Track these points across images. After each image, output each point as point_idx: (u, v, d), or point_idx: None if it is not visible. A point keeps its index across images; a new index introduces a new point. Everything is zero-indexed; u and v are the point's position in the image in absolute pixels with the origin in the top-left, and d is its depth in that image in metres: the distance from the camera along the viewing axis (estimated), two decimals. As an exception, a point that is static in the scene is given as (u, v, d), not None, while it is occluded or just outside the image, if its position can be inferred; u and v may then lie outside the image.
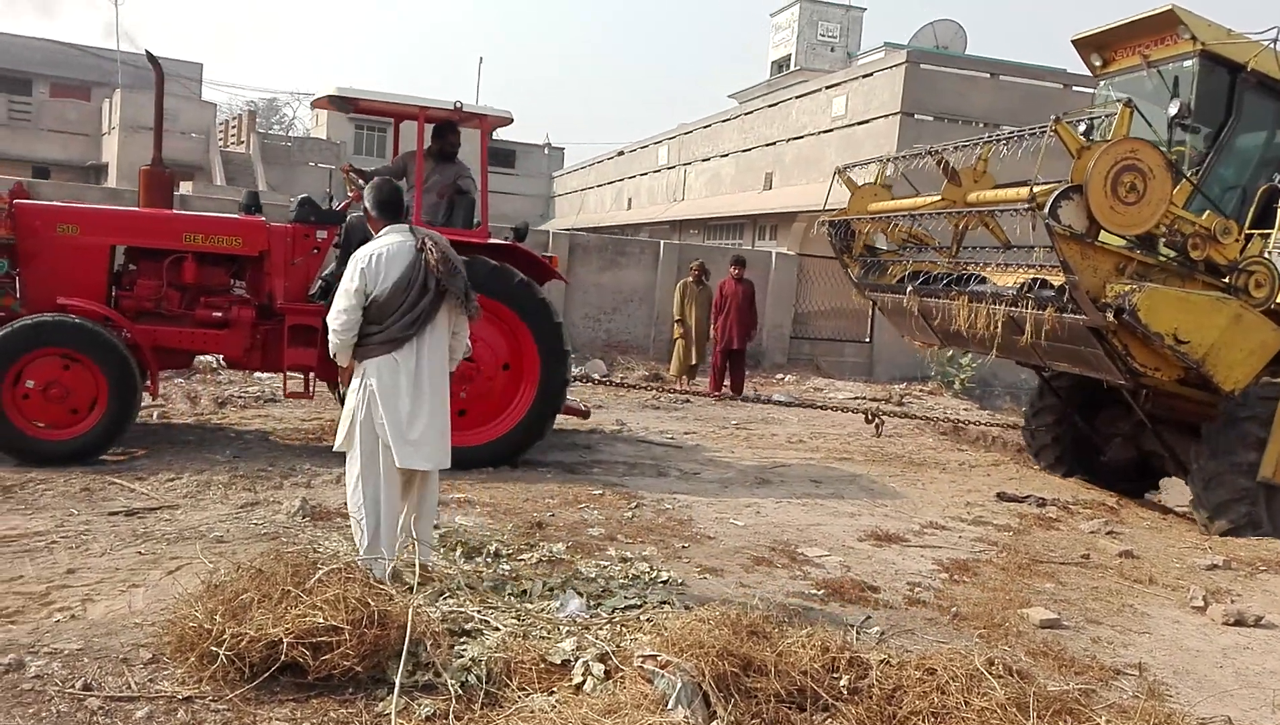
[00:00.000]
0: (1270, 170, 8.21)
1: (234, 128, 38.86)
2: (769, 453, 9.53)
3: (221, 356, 7.91)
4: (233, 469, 6.84)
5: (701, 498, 7.30)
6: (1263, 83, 7.98)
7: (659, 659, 3.48)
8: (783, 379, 15.56)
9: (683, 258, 16.46)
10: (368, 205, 4.76)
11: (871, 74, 20.80)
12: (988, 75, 20.70)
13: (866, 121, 20.21)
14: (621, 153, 34.97)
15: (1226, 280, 7.42)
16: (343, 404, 5.99)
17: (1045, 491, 8.46)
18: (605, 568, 5.25)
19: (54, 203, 7.98)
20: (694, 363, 13.77)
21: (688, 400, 12.78)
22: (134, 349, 7.09)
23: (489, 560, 5.20)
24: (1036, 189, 6.95)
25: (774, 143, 24.29)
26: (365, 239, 7.45)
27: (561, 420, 8.49)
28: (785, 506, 7.27)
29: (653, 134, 32.53)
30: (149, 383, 7.32)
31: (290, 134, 44.48)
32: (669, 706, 3.30)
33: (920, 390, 15.32)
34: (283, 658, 3.45)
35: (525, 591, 4.70)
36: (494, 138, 41.71)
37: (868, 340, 17.71)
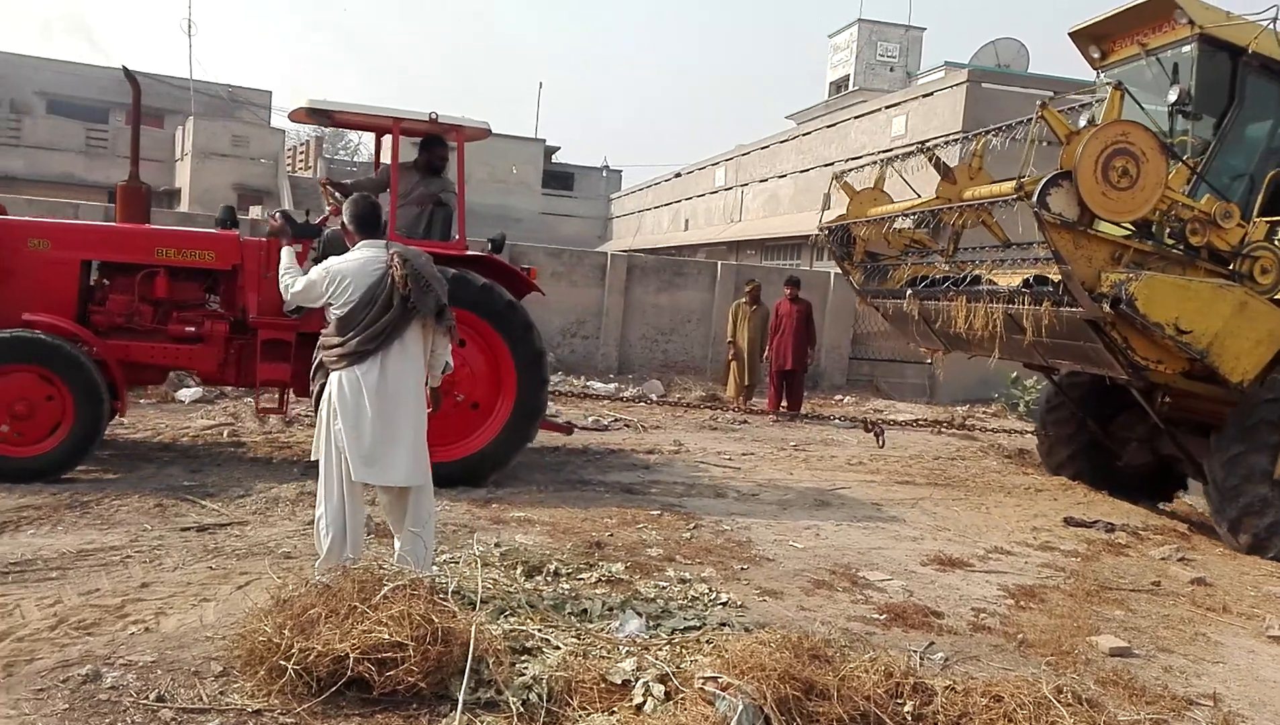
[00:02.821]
0: (1278, 157, 7.85)
1: (301, 153, 39.80)
2: (828, 474, 9.45)
3: (195, 372, 7.88)
4: (300, 486, 6.96)
5: (760, 519, 7.26)
6: (1266, 66, 7.66)
7: (720, 681, 3.47)
8: (841, 400, 15.43)
9: (740, 278, 16.45)
10: (345, 220, 4.83)
11: (932, 93, 20.63)
12: (1050, 94, 20.37)
13: (927, 141, 20.00)
14: (679, 174, 35.08)
15: (1230, 267, 7.10)
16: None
17: (1114, 516, 8.25)
18: (664, 588, 5.24)
19: (25, 218, 8.00)
20: (748, 383, 13.73)
21: (745, 421, 12.73)
22: (102, 365, 7.00)
23: (549, 579, 5.23)
24: (1025, 178, 6.74)
25: (832, 163, 24.16)
26: (342, 253, 7.57)
27: (593, 439, 8.50)
28: (845, 529, 7.20)
29: (710, 155, 32.59)
30: (118, 400, 7.20)
31: (355, 159, 45.40)
32: (730, 729, 3.29)
33: (984, 412, 15.07)
34: (349, 673, 3.50)
35: (585, 611, 4.71)
36: (553, 161, 41.84)
37: (929, 362, 17.47)
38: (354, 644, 3.54)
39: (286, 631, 3.63)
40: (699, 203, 32.63)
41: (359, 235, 4.78)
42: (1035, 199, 6.57)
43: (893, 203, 9.17)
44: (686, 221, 33.41)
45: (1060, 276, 6.94)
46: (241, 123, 35.37)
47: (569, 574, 5.35)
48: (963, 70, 21.78)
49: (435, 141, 8.11)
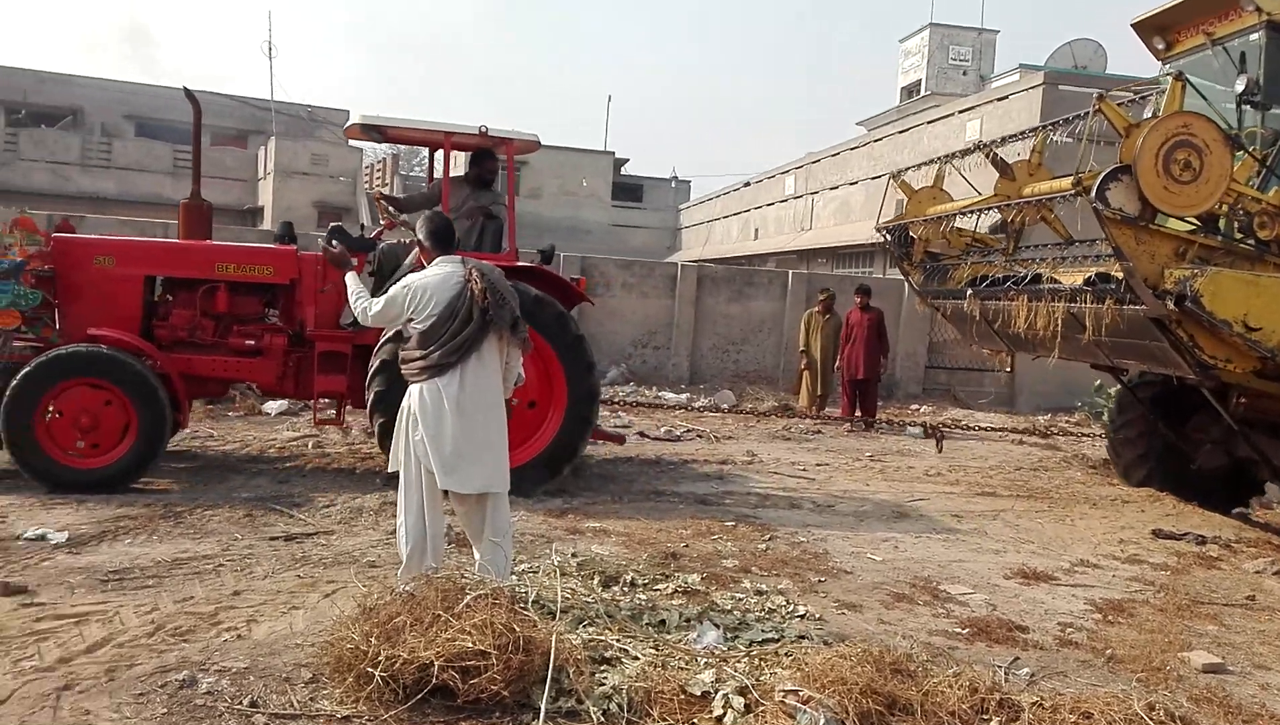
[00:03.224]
0: None
1: (379, 170, 40.71)
2: (906, 485, 9.33)
3: (255, 384, 8.03)
4: (382, 496, 7.11)
5: (836, 531, 7.19)
6: None
7: (801, 694, 3.45)
8: (917, 410, 15.20)
9: (811, 287, 16.34)
10: (421, 237, 4.92)
11: (1007, 96, 20.27)
12: (1131, 95, 19.87)
13: (1002, 144, 19.65)
14: (748, 183, 35.00)
15: None
16: (375, 432, 6.07)
17: (1205, 528, 7.98)
18: (740, 600, 5.23)
19: (92, 236, 8.16)
20: (821, 393, 13.63)
21: (819, 431, 12.63)
22: (165, 379, 7.16)
23: (625, 589, 5.25)
24: (1083, 173, 6.54)
25: (905, 169, 23.87)
26: (396, 266, 7.71)
27: (645, 449, 8.50)
28: (925, 541, 7.09)
29: (779, 164, 32.46)
30: (180, 412, 7.39)
31: (434, 175, 46.32)
32: (812, 742, 3.27)
33: (1066, 421, 14.70)
34: (434, 680, 3.57)
35: (663, 621, 4.72)
36: (622, 173, 42.06)
37: (1008, 370, 17.10)
38: (438, 652, 3.60)
39: (373, 639, 3.71)
40: (769, 211, 32.50)
41: (435, 251, 4.88)
42: (1094, 193, 6.39)
43: (952, 201, 9.02)
44: (756, 231, 33.30)
45: (1122, 273, 6.75)
46: (321, 142, 36.29)
47: (645, 584, 5.37)
48: (1038, 72, 21.35)
49: (485, 155, 8.20)
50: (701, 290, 16.56)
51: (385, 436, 6.75)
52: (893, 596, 5.64)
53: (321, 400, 7.79)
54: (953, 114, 22.21)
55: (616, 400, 13.10)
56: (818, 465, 10.12)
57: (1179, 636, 5.23)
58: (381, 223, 8.54)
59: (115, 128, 39.03)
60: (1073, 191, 6.61)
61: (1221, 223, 6.97)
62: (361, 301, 4.91)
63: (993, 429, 13.58)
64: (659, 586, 5.37)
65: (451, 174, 8.03)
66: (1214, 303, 6.43)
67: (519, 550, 5.92)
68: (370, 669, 3.63)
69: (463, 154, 8.75)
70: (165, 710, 3.59)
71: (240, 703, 3.67)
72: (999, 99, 20.60)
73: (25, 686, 3.70)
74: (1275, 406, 7.67)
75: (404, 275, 4.92)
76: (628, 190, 46.10)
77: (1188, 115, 6.48)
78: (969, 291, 8.43)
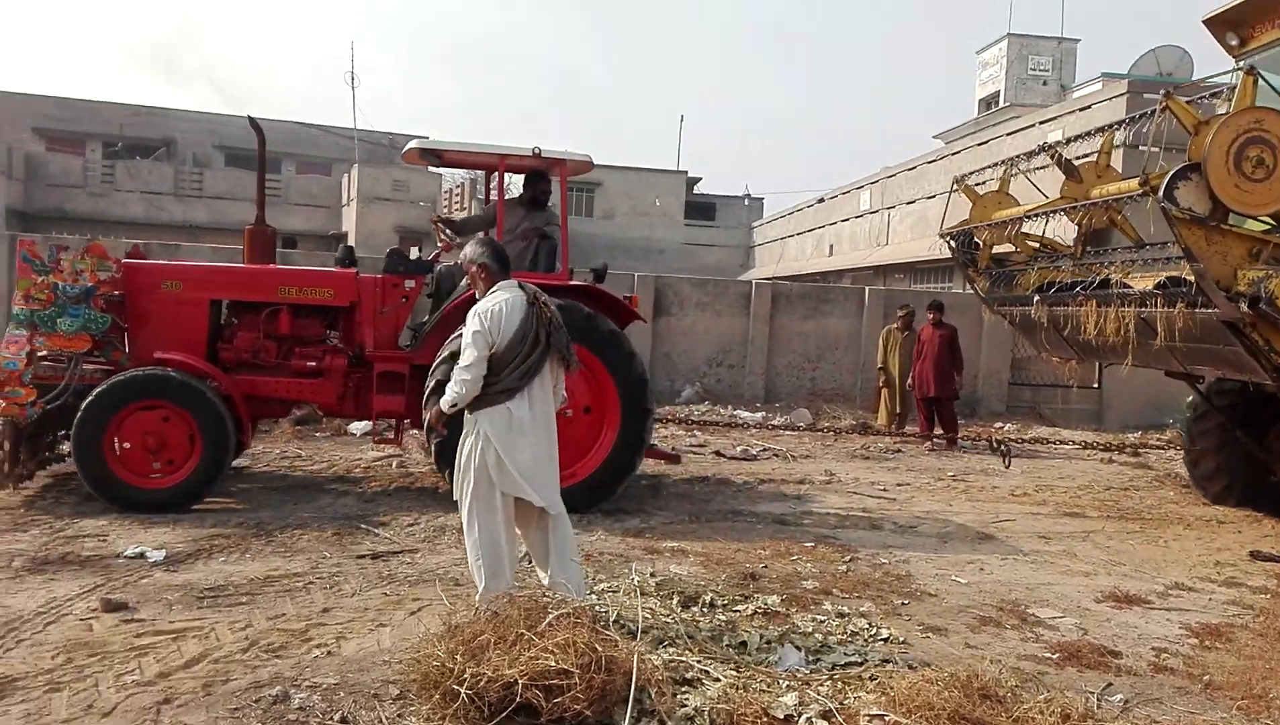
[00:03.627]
0: None
1: (457, 195, 41.53)
2: (990, 506, 9.13)
3: (316, 405, 8.16)
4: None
5: (919, 552, 7.07)
6: None
7: (887, 719, 3.41)
8: (1001, 428, 14.87)
9: (888, 303, 16.13)
10: (487, 260, 4.92)
11: (1089, 106, 19.80)
12: (1203, 94, 19.26)
13: (1085, 157, 19.21)
14: (822, 199, 34.77)
15: None
16: (431, 451, 5.99)
17: (1310, 551, 7.65)
18: (822, 622, 5.17)
19: (160, 261, 8.33)
20: (900, 411, 13.43)
21: (898, 450, 12.45)
22: (228, 401, 7.31)
23: (704, 610, 5.24)
24: (1151, 172, 6.31)
25: (969, 173, 23.49)
26: (453, 287, 7.77)
27: (721, 467, 8.44)
28: (1011, 564, 6.93)
29: (854, 179, 32.18)
30: (243, 433, 7.57)
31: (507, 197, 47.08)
32: (898, 768, 3.23)
33: (1158, 438, 14.23)
34: (518, 698, 3.60)
35: (743, 643, 4.70)
36: (695, 191, 42.14)
37: (1096, 386, 16.67)
38: (522, 670, 3.63)
39: (458, 657, 3.76)
40: (843, 227, 32.22)
41: (500, 275, 4.94)
42: (1162, 193, 6.20)
43: (1018, 206, 8.83)
44: (831, 247, 33.04)
45: (1193, 276, 6.52)
46: (402, 168, 37.21)
47: (725, 605, 5.35)
48: (1122, 81, 20.86)
49: (538, 176, 8.26)
50: (776, 308, 16.47)
51: (443, 456, 6.84)
52: (979, 620, 5.52)
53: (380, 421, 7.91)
54: (1033, 125, 21.76)
55: (692, 419, 13.10)
56: (898, 485, 9.97)
57: (1282, 664, 5.02)
58: (439, 245, 8.68)
59: (206, 158, 40.58)
60: (1140, 192, 6.43)
61: None
62: (456, 385, 4.73)
63: (1083, 446, 13.22)
64: (738, 607, 5.34)
65: (507, 196, 8.15)
66: None
67: (598, 569, 5.97)
68: (456, 686, 3.67)
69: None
70: (260, 725, 3.70)
71: (331, 718, 3.76)
72: (1081, 109, 20.14)
73: (128, 700, 3.85)
74: None
75: (460, 298, 4.94)
76: (701, 209, 46.20)
77: (1260, 111, 6.26)
78: (1036, 298, 8.24)
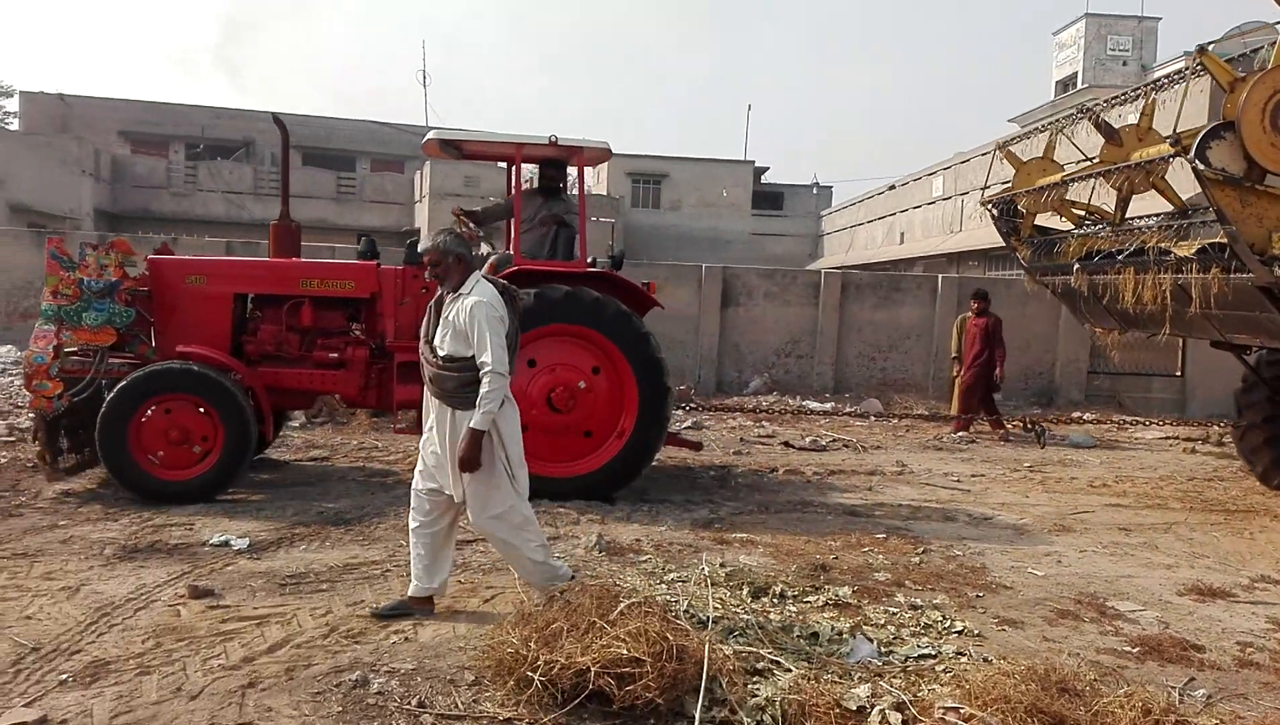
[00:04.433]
0: None
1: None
2: (1068, 497, 8.93)
3: (339, 396, 8.18)
4: (535, 505, 7.27)
5: (994, 544, 6.96)
6: None
7: (962, 712, 3.37)
8: (1080, 418, 14.53)
9: (962, 291, 15.84)
10: (463, 252, 4.79)
11: (1171, 86, 19.15)
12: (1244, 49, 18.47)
13: (1110, 109, 18.57)
14: (893, 186, 34.26)
15: None
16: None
17: None
18: (895, 614, 5.13)
19: (185, 256, 8.46)
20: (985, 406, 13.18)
21: (973, 440, 12.23)
22: (250, 393, 7.37)
23: (775, 600, 5.22)
24: (1182, 130, 6.03)
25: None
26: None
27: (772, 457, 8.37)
28: (1090, 556, 6.78)
29: (926, 165, 31.65)
30: (264, 425, 7.66)
31: (571, 191, 47.46)
32: (973, 761, 3.19)
33: (1243, 428, 13.73)
34: (590, 686, 3.65)
35: (815, 634, 4.67)
36: (762, 181, 41.81)
37: (1179, 373, 16.17)
38: (594, 658, 3.68)
39: (532, 644, 3.82)
40: (915, 215, 31.71)
41: (472, 267, 4.85)
42: (1193, 153, 5.95)
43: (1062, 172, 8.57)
44: (902, 235, 32.55)
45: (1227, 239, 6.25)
46: (473, 165, 37.71)
47: (795, 596, 5.33)
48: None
49: (550, 164, 8.29)
50: (845, 297, 16.29)
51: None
52: (1056, 613, 5.41)
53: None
54: (1112, 106, 21.15)
55: (760, 409, 13.03)
56: (972, 476, 9.81)
57: (1380, 661, 4.83)
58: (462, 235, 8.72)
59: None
60: (1173, 154, 6.18)
61: None
62: (497, 391, 4.57)
63: (1164, 438, 12.85)
64: (809, 598, 5.32)
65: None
66: None
67: (668, 559, 6.00)
68: (530, 673, 3.73)
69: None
70: (340, 709, 3.80)
71: (409, 703, 3.85)
72: (1160, 88, 19.49)
73: (214, 683, 3.99)
74: None
75: (477, 290, 4.77)
76: (768, 199, 45.90)
77: None
78: (1076, 266, 8.00)
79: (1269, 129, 5.92)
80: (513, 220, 8.23)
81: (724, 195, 42.18)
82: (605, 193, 40.92)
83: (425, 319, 4.99)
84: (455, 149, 8.41)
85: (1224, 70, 6.15)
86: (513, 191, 8.42)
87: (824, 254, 41.20)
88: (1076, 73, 38.65)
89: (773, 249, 41.80)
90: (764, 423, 12.81)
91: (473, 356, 4.62)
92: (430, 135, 8.10)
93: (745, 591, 5.29)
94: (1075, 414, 14.80)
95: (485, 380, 4.56)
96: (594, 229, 34.05)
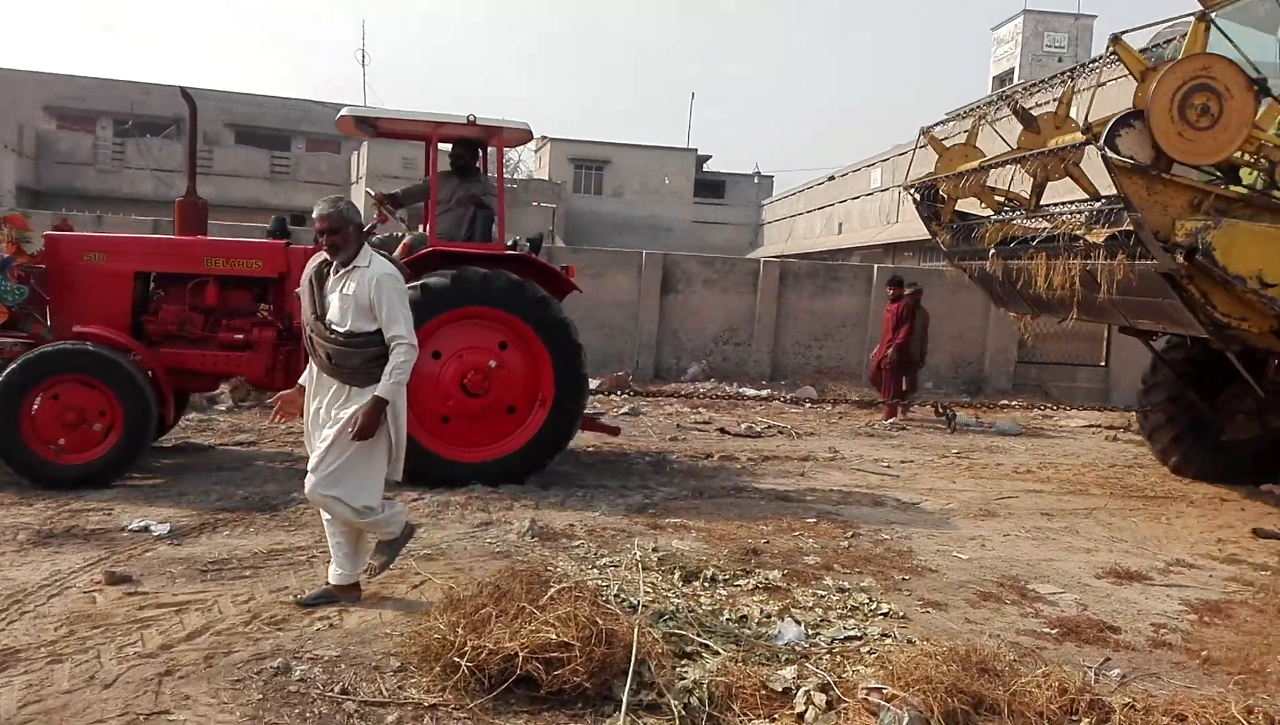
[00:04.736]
0: None
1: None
2: (993, 483, 9.12)
3: (244, 378, 7.95)
4: (469, 491, 7.24)
5: (921, 529, 7.08)
6: None
7: (885, 692, 3.42)
8: (1008, 406, 14.85)
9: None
10: (360, 221, 4.65)
11: (1105, 83, 19.61)
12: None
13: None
14: (832, 177, 34.63)
15: None
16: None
17: (1314, 529, 7.63)
18: (823, 597, 5.19)
19: (83, 233, 8.16)
20: (907, 388, 13.41)
21: (904, 427, 12.44)
22: (149, 375, 7.13)
23: (706, 584, 5.26)
24: (1093, 118, 6.17)
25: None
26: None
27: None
28: (1013, 540, 6.93)
29: (865, 157, 32.02)
30: (165, 408, 7.42)
31: (515, 176, 46.99)
32: (894, 740, 3.24)
33: (1163, 417, 14.17)
34: (518, 671, 3.63)
35: (743, 617, 4.72)
36: (704, 170, 41.96)
37: (1103, 363, 16.62)
38: (523, 643, 3.66)
39: (460, 630, 3.79)
40: (853, 206, 32.11)
41: (363, 241, 4.65)
42: (1103, 141, 6.08)
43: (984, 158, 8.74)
44: (840, 225, 32.93)
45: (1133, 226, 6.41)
46: (411, 146, 37.22)
47: (726, 580, 5.37)
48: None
49: (459, 143, 8.19)
50: (784, 286, 16.43)
51: None
52: (979, 595, 5.53)
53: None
54: (1049, 101, 21.59)
55: (698, 396, 13.08)
56: (902, 462, 9.97)
57: (1279, 639, 5.02)
58: (374, 218, 8.43)
59: (216, 135, 40.55)
60: (1084, 141, 6.32)
61: (1255, 175, 6.58)
62: (407, 359, 4.49)
63: (1087, 427, 13.20)
64: (739, 582, 5.36)
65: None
66: (1227, 257, 6.09)
67: (600, 544, 6.00)
68: (457, 659, 3.70)
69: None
70: (260, 696, 3.72)
71: (332, 690, 3.79)
72: (1098, 85, 19.94)
73: (129, 671, 3.88)
74: None
75: (377, 262, 4.64)
76: (710, 187, 46.06)
77: (1209, 57, 6.10)
78: (992, 251, 8.15)
79: (1177, 119, 6.03)
80: (440, 199, 8.08)
81: (666, 182, 42.24)
82: (547, 178, 40.70)
83: (308, 294, 4.67)
84: (370, 126, 8.19)
85: (1136, 60, 6.24)
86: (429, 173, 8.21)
87: (764, 243, 41.51)
88: (1014, 68, 39.40)
89: (714, 237, 41.99)
90: (701, 409, 12.87)
91: (378, 331, 4.48)
92: (344, 111, 7.88)
93: (677, 576, 5.32)
94: (1003, 402, 15.13)
95: (400, 350, 4.47)
96: (535, 214, 33.87)
